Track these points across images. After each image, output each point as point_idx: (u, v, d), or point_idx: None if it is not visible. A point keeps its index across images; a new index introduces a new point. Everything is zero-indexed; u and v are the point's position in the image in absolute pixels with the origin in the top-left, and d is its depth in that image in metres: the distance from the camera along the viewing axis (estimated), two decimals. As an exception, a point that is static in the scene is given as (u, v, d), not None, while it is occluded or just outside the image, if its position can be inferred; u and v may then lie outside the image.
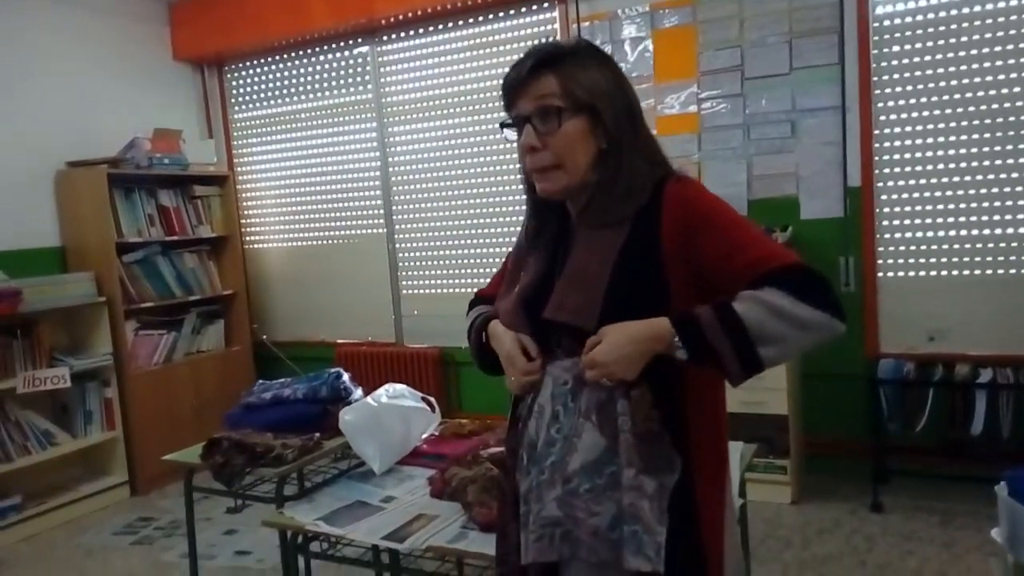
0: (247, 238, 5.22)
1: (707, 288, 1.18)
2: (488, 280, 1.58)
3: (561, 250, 1.30)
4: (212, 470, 2.34)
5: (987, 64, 3.24)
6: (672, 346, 1.13)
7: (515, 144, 1.27)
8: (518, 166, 1.34)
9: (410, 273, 4.71)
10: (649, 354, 1.15)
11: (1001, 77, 3.22)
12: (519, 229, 1.41)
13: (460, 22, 4.31)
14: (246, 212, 5.21)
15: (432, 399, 2.73)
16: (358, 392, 2.68)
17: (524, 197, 1.35)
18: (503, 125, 1.29)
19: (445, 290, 4.59)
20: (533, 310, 1.27)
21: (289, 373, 4.80)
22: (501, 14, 4.19)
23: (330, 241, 4.97)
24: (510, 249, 1.44)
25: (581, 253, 1.24)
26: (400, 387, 2.71)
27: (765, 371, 1.13)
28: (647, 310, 1.15)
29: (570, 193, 1.26)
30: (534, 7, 4.10)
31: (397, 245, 4.72)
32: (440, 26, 4.38)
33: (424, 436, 2.60)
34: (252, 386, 2.80)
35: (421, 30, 4.44)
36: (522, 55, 1.24)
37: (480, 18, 4.26)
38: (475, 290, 1.59)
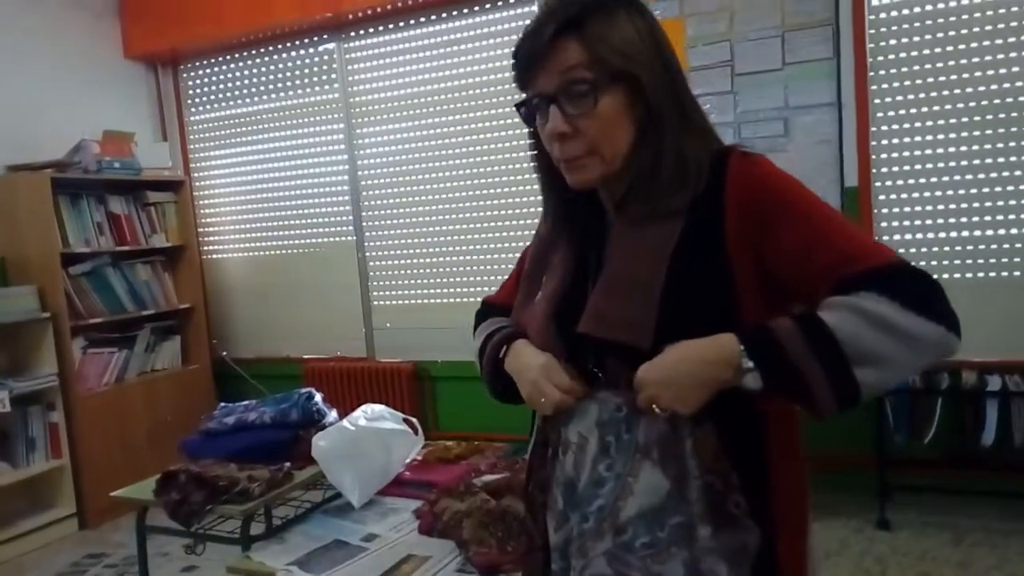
0: (205, 248, 4.89)
1: (778, 295, 0.95)
2: (493, 288, 1.33)
3: (592, 249, 1.07)
4: (167, 508, 2.06)
5: (990, 58, 3.11)
6: (740, 370, 0.88)
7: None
8: (528, 152, 1.09)
9: (382, 283, 4.44)
10: (711, 383, 0.90)
11: (1004, 71, 3.09)
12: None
13: (433, 17, 4.08)
14: (204, 220, 4.89)
15: (414, 420, 2.48)
16: (332, 415, 2.42)
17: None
18: (519, 106, 1.04)
19: (419, 301, 4.33)
20: (564, 324, 1.03)
21: (252, 392, 4.51)
22: (476, 8, 3.97)
23: (295, 250, 4.68)
24: (513, 254, 1.18)
25: (624, 253, 1.00)
26: (379, 408, 2.45)
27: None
28: (714, 323, 0.92)
29: (606, 181, 1.02)
30: (511, 0, 3.89)
31: (368, 253, 4.45)
32: (411, 21, 4.14)
33: (406, 462, 2.35)
34: (213, 409, 2.52)
35: (391, 25, 4.19)
36: (536, 18, 0.99)
37: (454, 12, 4.02)
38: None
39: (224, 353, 4.79)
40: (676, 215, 0.97)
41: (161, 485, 2.10)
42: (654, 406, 0.93)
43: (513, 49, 1.02)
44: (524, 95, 1.02)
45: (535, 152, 1.09)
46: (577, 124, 0.96)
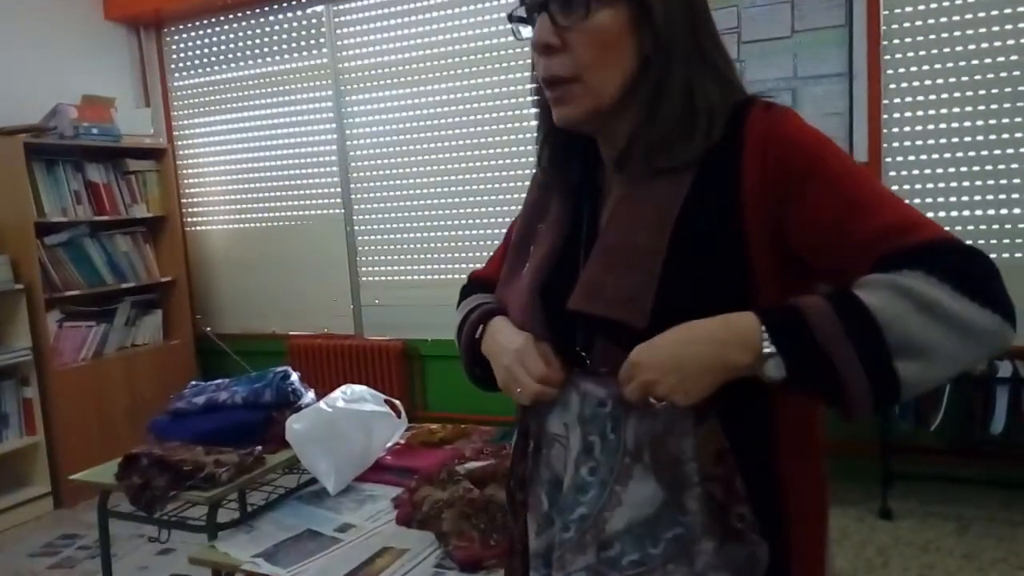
0: (188, 219, 4.73)
1: (797, 273, 0.81)
2: (481, 262, 1.19)
3: (588, 212, 0.92)
4: (128, 493, 1.93)
5: (1010, 26, 2.94)
6: (759, 355, 0.73)
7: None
8: (530, 87, 0.94)
9: (371, 259, 4.29)
10: (721, 369, 0.76)
11: (1025, 41, 2.93)
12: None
13: (426, -21, 3.89)
14: (187, 190, 4.72)
15: (397, 402, 2.34)
16: (309, 395, 2.29)
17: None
18: (512, 18, 0.89)
19: (409, 277, 4.17)
20: (552, 299, 0.89)
21: (236, 369, 4.38)
22: (471, -30, 3.78)
23: (281, 223, 4.51)
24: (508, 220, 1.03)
25: (623, 215, 0.85)
26: (359, 388, 2.31)
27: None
28: (721, 301, 0.77)
29: (597, 123, 0.87)
30: (508, -37, 3.70)
31: (356, 227, 4.29)
32: (403, -17, 3.95)
33: (387, 446, 2.22)
34: (187, 386, 2.39)
35: (382, -12, 4.01)
36: None
37: (448, -26, 3.84)
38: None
39: (207, 328, 4.64)
40: (682, 172, 0.82)
41: (123, 469, 1.97)
42: (649, 396, 0.79)
43: None
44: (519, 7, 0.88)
45: (536, 85, 0.93)
46: (566, 37, 0.82)
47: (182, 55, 4.64)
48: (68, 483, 3.61)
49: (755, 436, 0.82)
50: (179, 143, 4.71)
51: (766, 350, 0.73)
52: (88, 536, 3.36)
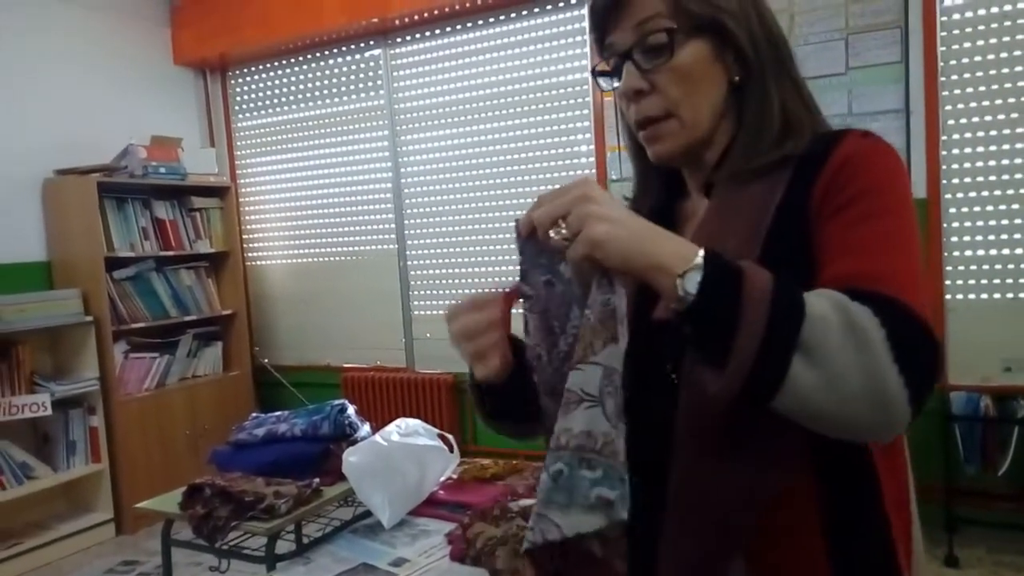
0: (249, 254, 4.88)
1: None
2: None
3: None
4: (192, 523, 1.99)
5: (1073, 61, 2.89)
6: (674, 280, 0.67)
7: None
8: (616, 131, 0.96)
9: (422, 292, 4.36)
10: (647, 256, 0.69)
11: (1090, 75, 2.87)
12: None
13: (480, 22, 4.00)
14: (248, 226, 4.89)
15: (450, 436, 2.37)
16: (365, 428, 2.33)
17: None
18: (595, 73, 0.92)
19: (461, 311, 4.22)
20: (640, 310, 0.85)
21: (291, 400, 4.47)
22: (525, 12, 3.87)
23: (337, 258, 4.63)
24: None
25: (711, 225, 0.85)
26: (414, 423, 2.35)
27: (767, 407, 0.68)
28: None
29: (693, 153, 0.88)
30: (560, 4, 3.78)
31: (409, 262, 4.37)
32: (458, 26, 4.06)
33: (440, 480, 2.24)
34: (248, 417, 2.45)
35: (437, 31, 4.12)
36: None
37: (501, 17, 3.93)
38: None
39: (265, 360, 4.76)
40: (780, 172, 0.82)
41: (187, 498, 2.03)
42: (562, 226, 0.71)
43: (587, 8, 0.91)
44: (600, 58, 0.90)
45: (624, 128, 0.95)
46: (653, 80, 0.84)
47: (245, 97, 4.83)
48: (130, 510, 3.74)
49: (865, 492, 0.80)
50: (241, 181, 4.88)
51: (685, 275, 0.67)
52: (148, 563, 3.44)
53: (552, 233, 0.72)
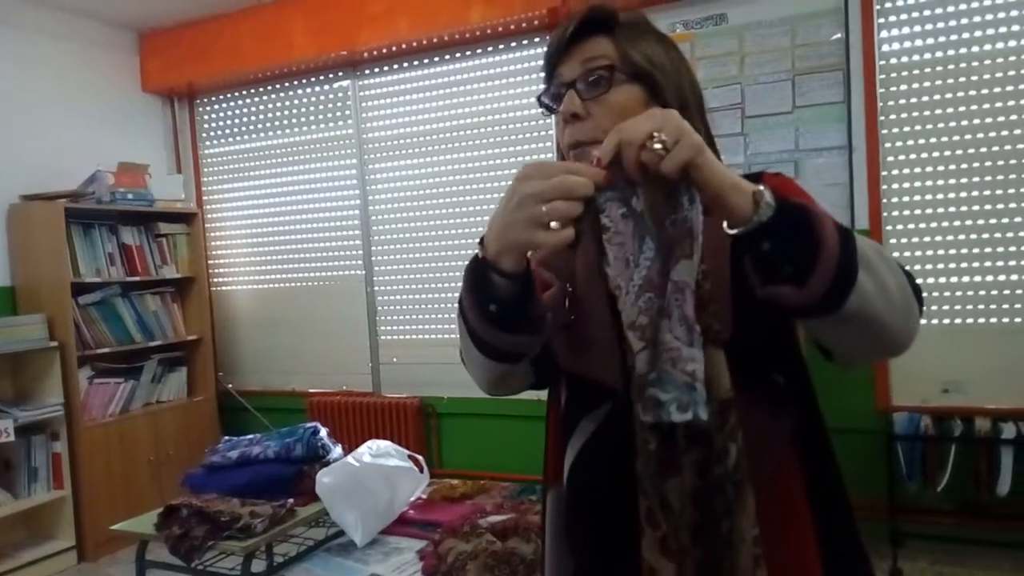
0: (215, 279, 4.91)
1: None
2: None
3: None
4: (168, 543, 2.03)
5: (999, 104, 3.12)
6: (751, 196, 0.74)
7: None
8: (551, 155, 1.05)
9: (389, 318, 4.44)
10: (728, 186, 0.75)
11: (1014, 118, 3.10)
12: None
13: (447, 56, 4.14)
14: (214, 252, 4.92)
15: (420, 457, 2.46)
16: (337, 450, 2.40)
17: None
18: (541, 103, 1.03)
19: (426, 336, 4.32)
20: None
21: (256, 425, 4.48)
22: (490, 48, 4.02)
23: (305, 284, 4.68)
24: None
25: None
26: (384, 444, 2.43)
27: (845, 310, 0.76)
28: (774, 324, 0.88)
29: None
30: (524, 42, 3.94)
31: (376, 288, 4.45)
32: (425, 60, 4.19)
33: (411, 500, 2.32)
34: (216, 442, 2.51)
35: (405, 64, 4.25)
36: (569, 20, 0.99)
37: (468, 53, 4.08)
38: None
39: (229, 385, 4.77)
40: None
41: (163, 519, 2.07)
42: (655, 140, 0.74)
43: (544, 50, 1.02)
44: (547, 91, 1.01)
45: (558, 153, 1.04)
46: (590, 108, 0.95)
47: (213, 124, 4.89)
48: (92, 537, 3.72)
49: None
50: (208, 207, 4.92)
51: (767, 199, 0.75)
52: (111, 590, 3.43)
53: (648, 146, 0.74)
